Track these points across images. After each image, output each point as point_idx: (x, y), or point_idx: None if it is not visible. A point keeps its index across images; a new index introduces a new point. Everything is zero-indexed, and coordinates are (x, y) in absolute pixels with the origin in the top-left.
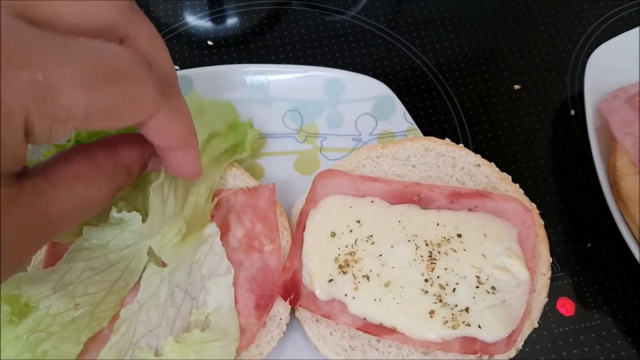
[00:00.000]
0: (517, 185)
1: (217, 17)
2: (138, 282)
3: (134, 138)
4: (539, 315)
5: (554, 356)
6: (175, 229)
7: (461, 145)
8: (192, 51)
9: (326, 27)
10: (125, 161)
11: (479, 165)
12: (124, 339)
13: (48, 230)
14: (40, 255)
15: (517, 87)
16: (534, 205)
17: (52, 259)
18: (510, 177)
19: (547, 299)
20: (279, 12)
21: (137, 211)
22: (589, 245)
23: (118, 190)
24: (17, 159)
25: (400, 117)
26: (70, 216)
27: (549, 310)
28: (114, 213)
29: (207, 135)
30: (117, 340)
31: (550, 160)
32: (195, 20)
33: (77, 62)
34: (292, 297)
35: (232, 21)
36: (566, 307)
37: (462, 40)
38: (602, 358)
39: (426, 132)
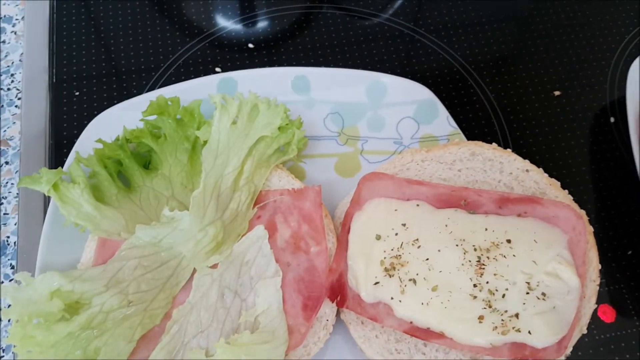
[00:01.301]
0: (567, 191)
1: (250, 21)
2: (189, 281)
3: None
4: (588, 321)
5: None
6: (210, 236)
7: (509, 150)
8: (233, 54)
9: (359, 30)
10: None
11: (527, 170)
12: (175, 339)
13: None
14: (90, 252)
15: (557, 93)
16: (583, 212)
17: (103, 257)
18: (559, 183)
19: (596, 305)
20: (310, 16)
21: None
22: (630, 252)
23: None
24: None
25: (443, 121)
26: None
27: (591, 317)
28: (165, 212)
29: (256, 139)
30: (169, 340)
31: (590, 167)
32: (229, 25)
33: None
34: (338, 298)
35: (264, 25)
36: (607, 314)
37: (502, 45)
38: None
39: (467, 137)
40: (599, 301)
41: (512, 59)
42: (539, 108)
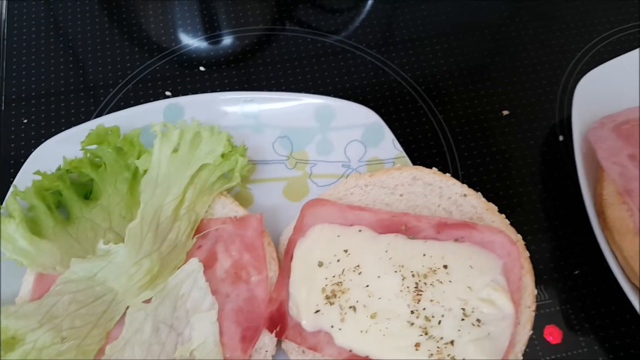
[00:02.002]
0: (504, 215)
1: (213, 41)
2: (124, 316)
3: None
4: (524, 348)
5: None
6: (144, 270)
7: (448, 174)
8: (184, 77)
9: (317, 51)
10: None
11: (465, 195)
12: None
13: None
14: (28, 286)
15: (505, 112)
16: (519, 237)
17: (40, 291)
18: (496, 207)
19: (532, 332)
20: (271, 37)
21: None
22: (577, 272)
23: None
24: None
25: (389, 145)
26: None
27: (536, 338)
28: (100, 245)
29: (198, 167)
30: None
31: (539, 186)
32: (191, 44)
33: None
34: (278, 328)
35: (227, 45)
36: (553, 334)
37: (452, 65)
38: None
39: (416, 158)
40: (545, 322)
41: (462, 80)
42: (488, 128)
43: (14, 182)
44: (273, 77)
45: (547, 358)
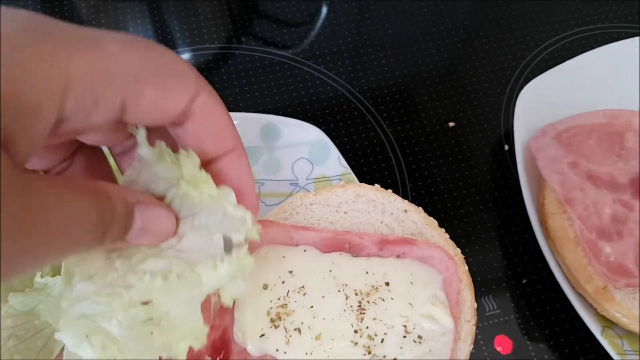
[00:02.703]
0: (443, 230)
1: None
2: (63, 350)
3: None
4: None
5: None
6: None
7: (390, 190)
8: None
9: (265, 68)
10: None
11: (406, 210)
12: None
13: None
14: None
15: (451, 124)
16: (458, 251)
17: None
18: (436, 222)
19: (472, 346)
20: (226, 54)
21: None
22: (524, 281)
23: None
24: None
25: (335, 161)
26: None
27: (486, 349)
28: (37, 278)
29: None
30: None
31: (485, 196)
32: None
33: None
34: (221, 356)
35: None
36: (503, 345)
37: (399, 79)
38: None
39: (365, 173)
40: (495, 332)
41: (408, 92)
42: (435, 140)
43: None
44: (222, 96)
45: None
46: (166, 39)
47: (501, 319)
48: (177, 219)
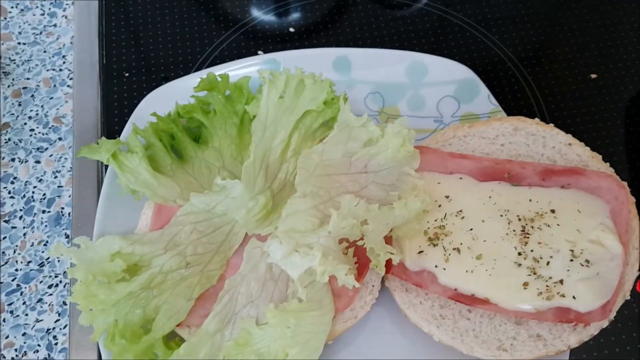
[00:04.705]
0: (608, 164)
1: (284, 10)
2: (242, 245)
3: None
4: (631, 287)
5: (634, 334)
6: (261, 204)
7: (551, 124)
8: (275, 37)
9: (397, 15)
10: None
11: (570, 144)
12: (227, 308)
13: None
14: (146, 219)
15: (593, 76)
16: (625, 183)
17: (159, 223)
18: (600, 156)
19: (639, 272)
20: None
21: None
22: None
23: None
24: None
25: (484, 100)
26: None
27: (632, 293)
28: (218, 181)
29: (302, 113)
30: (221, 309)
31: (627, 147)
32: (263, 15)
33: None
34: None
35: (301, 12)
36: None
37: (539, 30)
38: None
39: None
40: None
41: (549, 43)
42: (576, 90)
43: (129, 122)
44: (360, 38)
45: None
46: None
47: None
48: None
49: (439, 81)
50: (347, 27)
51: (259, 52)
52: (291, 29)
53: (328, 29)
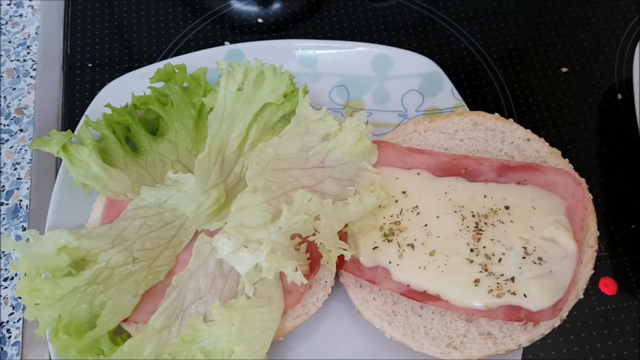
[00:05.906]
0: (567, 160)
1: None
2: (192, 241)
3: None
4: (584, 286)
5: (594, 333)
6: (213, 199)
7: (511, 120)
8: (242, 29)
9: (375, 7)
10: None
11: (528, 139)
12: (174, 304)
13: None
14: (97, 213)
15: (564, 70)
16: (583, 180)
17: (110, 216)
18: (559, 152)
19: (593, 271)
20: None
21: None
22: (634, 227)
23: None
24: None
25: (447, 94)
26: None
27: (591, 288)
28: (170, 174)
29: (261, 106)
30: (168, 305)
31: (596, 142)
32: (237, 3)
33: None
34: (337, 261)
35: (276, 3)
36: (609, 286)
37: (510, 22)
38: None
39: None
40: (601, 274)
41: (520, 37)
42: (546, 84)
43: (85, 114)
44: (329, 31)
45: (602, 308)
46: None
47: (608, 261)
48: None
49: (403, 74)
50: (324, 19)
51: (226, 42)
52: (260, 20)
53: (302, 20)
